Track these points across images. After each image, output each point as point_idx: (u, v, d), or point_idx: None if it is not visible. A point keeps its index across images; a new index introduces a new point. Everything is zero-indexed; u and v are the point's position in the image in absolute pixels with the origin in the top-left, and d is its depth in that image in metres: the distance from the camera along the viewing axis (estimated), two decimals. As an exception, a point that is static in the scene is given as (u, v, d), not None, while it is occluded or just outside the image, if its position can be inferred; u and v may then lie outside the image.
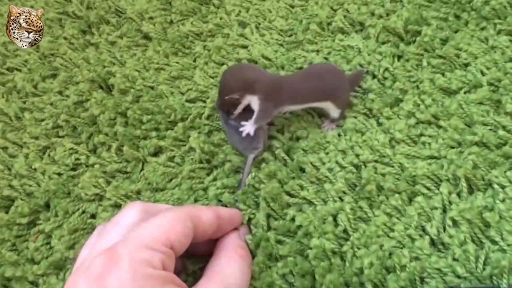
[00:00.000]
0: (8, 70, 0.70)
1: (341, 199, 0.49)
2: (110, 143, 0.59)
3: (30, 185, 0.57)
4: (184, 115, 0.60)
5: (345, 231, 0.47)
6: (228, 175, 0.53)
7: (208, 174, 0.55)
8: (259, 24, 0.70)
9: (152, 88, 0.64)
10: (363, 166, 0.51)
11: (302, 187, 0.51)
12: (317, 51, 0.64)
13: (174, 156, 0.57)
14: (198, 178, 0.54)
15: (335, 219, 0.48)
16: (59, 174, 0.57)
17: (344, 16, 0.67)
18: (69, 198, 0.55)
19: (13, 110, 0.64)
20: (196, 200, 0.52)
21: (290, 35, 0.67)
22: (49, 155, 0.60)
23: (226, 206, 0.51)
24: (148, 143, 0.58)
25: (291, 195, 0.50)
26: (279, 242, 0.47)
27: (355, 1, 0.68)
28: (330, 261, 0.45)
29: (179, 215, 0.38)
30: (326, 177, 0.51)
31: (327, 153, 0.53)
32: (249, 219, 0.49)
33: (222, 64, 0.65)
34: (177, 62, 0.67)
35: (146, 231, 0.36)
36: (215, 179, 0.54)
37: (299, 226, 0.48)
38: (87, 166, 0.58)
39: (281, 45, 0.66)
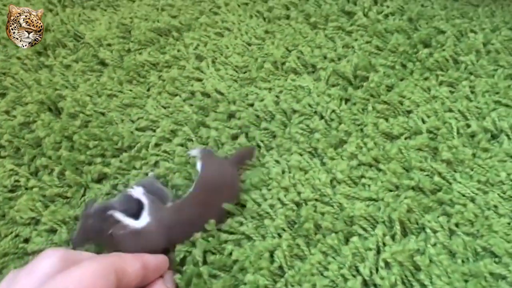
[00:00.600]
0: (-45, 86, 0.68)
1: (279, 236, 0.49)
2: (53, 166, 0.58)
3: (-37, 206, 0.55)
4: (132, 143, 0.60)
5: (280, 267, 0.47)
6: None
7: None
8: (216, 59, 0.71)
9: (102, 114, 0.64)
10: (303, 204, 0.52)
11: (241, 224, 0.51)
12: (270, 89, 0.66)
13: (117, 184, 0.56)
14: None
15: (271, 255, 0.48)
16: (-4, 196, 0.56)
17: (298, 58, 0.69)
18: (3, 220, 0.53)
19: (-45, 127, 0.62)
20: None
21: (245, 72, 0.69)
22: (-13, 175, 0.58)
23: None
24: (92, 168, 0.57)
25: (229, 233, 0.50)
26: (213, 276, 0.47)
27: (309, 44, 0.71)
28: (263, 297, 0.45)
29: (102, 267, 0.35)
30: (267, 213, 0.51)
31: (269, 190, 0.54)
32: (184, 257, 0.48)
33: (176, 95, 0.66)
34: (130, 90, 0.67)
35: (63, 285, 0.32)
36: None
37: (235, 261, 0.48)
38: (26, 188, 0.56)
39: (235, 80, 0.68)
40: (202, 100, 0.64)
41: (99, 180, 0.57)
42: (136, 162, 0.58)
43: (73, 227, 0.52)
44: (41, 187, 0.56)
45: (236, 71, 0.69)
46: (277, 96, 0.64)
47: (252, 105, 0.63)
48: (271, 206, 0.52)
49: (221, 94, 0.65)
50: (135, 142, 0.60)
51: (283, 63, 0.69)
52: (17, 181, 0.57)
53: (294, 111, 0.62)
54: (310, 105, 0.62)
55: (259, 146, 0.58)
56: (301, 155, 0.57)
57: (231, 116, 0.62)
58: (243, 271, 0.47)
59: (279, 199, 0.53)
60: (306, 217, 0.50)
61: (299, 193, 0.53)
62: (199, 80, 0.68)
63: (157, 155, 0.58)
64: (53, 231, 0.52)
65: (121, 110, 0.64)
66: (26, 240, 0.52)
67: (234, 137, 0.60)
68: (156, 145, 0.60)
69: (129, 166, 0.57)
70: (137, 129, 0.62)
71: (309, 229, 0.49)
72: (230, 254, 0.48)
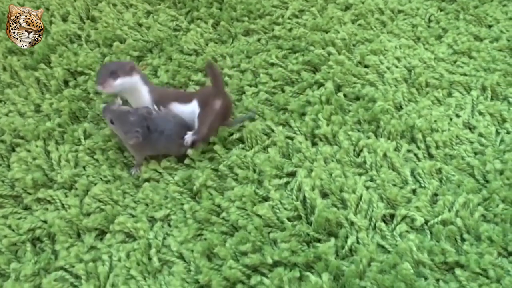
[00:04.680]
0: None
1: (398, 85, 0.64)
2: (207, 19, 0.71)
3: None
4: (270, 12, 0.73)
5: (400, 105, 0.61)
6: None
7: None
8: None
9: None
10: (414, 69, 0.66)
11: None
12: (376, -5, 0.80)
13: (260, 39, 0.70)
14: None
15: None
16: None
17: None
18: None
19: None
20: None
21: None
22: None
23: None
24: (240, 24, 0.71)
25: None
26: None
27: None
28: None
29: None
30: (388, 68, 0.66)
31: (386, 57, 0.68)
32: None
33: None
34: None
35: None
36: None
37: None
38: (187, 30, 0.70)
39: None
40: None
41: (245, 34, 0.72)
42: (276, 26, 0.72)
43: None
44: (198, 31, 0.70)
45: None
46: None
47: (363, 2, 0.77)
48: (388, 67, 0.66)
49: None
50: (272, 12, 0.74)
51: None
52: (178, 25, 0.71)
53: (399, 11, 0.76)
54: (411, 9, 0.76)
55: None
56: (406, 39, 0.71)
57: (347, 8, 0.77)
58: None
59: (393, 64, 0.67)
60: (418, 74, 0.64)
61: (409, 63, 0.67)
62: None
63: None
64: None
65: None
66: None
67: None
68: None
69: (270, 28, 0.72)
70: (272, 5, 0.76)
71: (421, 82, 0.63)
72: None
